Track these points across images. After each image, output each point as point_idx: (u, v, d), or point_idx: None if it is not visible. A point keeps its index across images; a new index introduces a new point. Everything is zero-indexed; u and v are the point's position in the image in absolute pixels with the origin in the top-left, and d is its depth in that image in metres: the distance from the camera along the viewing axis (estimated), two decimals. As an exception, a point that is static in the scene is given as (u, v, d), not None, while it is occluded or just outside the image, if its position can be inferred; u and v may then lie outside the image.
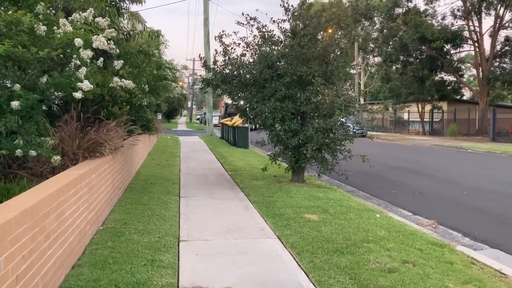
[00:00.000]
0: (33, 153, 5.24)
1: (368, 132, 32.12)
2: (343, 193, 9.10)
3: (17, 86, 5.00)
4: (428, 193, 10.02)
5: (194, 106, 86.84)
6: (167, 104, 34.14)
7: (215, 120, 39.39)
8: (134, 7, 10.96)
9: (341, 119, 9.25)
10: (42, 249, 3.51)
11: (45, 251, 3.58)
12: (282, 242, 5.49)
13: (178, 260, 4.77)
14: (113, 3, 9.13)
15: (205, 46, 28.70)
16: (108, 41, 5.27)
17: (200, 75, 12.00)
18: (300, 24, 9.52)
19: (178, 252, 5.05)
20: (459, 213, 8.18)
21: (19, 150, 5.19)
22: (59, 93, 5.80)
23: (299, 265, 4.70)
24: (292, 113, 9.38)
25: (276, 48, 9.28)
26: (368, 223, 6.47)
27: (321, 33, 9.54)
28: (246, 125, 20.31)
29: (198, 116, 77.19)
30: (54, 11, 6.49)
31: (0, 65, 4.91)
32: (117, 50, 6.03)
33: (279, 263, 4.77)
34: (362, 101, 33.59)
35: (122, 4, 9.71)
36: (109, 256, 4.70)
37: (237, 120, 21.37)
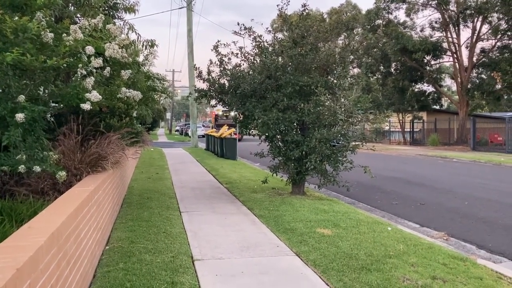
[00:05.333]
0: (37, 168, 4.88)
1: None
2: (347, 206, 8.92)
3: (22, 97, 4.65)
4: (429, 204, 9.92)
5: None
6: (154, 116, 33.64)
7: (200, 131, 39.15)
8: (127, 16, 10.65)
9: (343, 130, 9.09)
10: (65, 276, 3.18)
11: (67, 278, 3.25)
12: (302, 260, 5.24)
13: (198, 282, 4.47)
14: (108, 11, 8.82)
15: (188, 56, 28.47)
16: (121, 49, 4.98)
17: (195, 86, 11.73)
18: (299, 33, 9.34)
19: (196, 272, 4.75)
20: (467, 225, 8.07)
21: (22, 166, 4.84)
22: (61, 104, 5.44)
23: (327, 285, 4.45)
24: (293, 124, 9.19)
25: (277, 58, 9.07)
26: (383, 237, 6.29)
27: (321, 43, 9.38)
28: (234, 136, 20.17)
29: (178, 128, 76.47)
30: (53, 19, 6.17)
31: (4, 74, 4.56)
32: (130, 59, 5.72)
33: (306, 283, 4.51)
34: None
35: (116, 13, 9.39)
36: (125, 280, 4.36)
37: (224, 131, 21.08)
